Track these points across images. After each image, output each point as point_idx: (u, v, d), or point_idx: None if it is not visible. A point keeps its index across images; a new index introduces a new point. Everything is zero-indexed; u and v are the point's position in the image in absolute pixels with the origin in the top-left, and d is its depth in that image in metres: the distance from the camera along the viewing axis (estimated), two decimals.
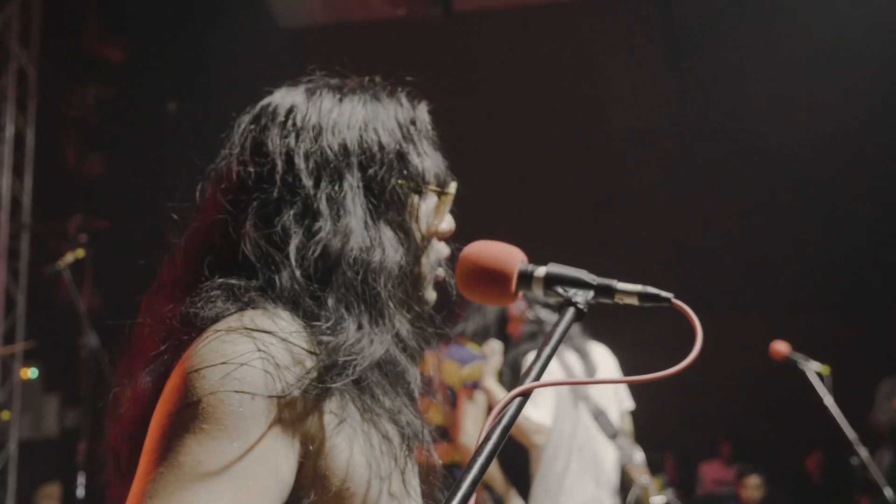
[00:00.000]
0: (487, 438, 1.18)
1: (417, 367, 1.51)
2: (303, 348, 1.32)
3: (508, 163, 11.37)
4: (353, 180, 1.45)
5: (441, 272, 1.56)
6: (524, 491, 5.02)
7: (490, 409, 4.64)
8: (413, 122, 1.55)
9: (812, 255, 10.85)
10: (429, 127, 1.59)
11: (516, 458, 5.25)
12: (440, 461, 1.54)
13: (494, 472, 4.94)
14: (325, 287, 1.39)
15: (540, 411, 4.80)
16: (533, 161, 11.66)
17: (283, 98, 1.53)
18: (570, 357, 4.92)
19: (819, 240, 10.73)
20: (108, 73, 9.81)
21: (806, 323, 9.67)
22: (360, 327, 1.38)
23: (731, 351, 10.29)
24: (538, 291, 1.44)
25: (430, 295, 1.56)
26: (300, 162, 1.44)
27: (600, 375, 4.91)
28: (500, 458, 5.20)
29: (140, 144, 9.83)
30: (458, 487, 1.11)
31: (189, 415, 1.24)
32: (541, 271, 1.44)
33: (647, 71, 11.25)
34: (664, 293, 1.38)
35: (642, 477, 5.01)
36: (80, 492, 6.73)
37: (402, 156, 1.50)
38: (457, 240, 1.58)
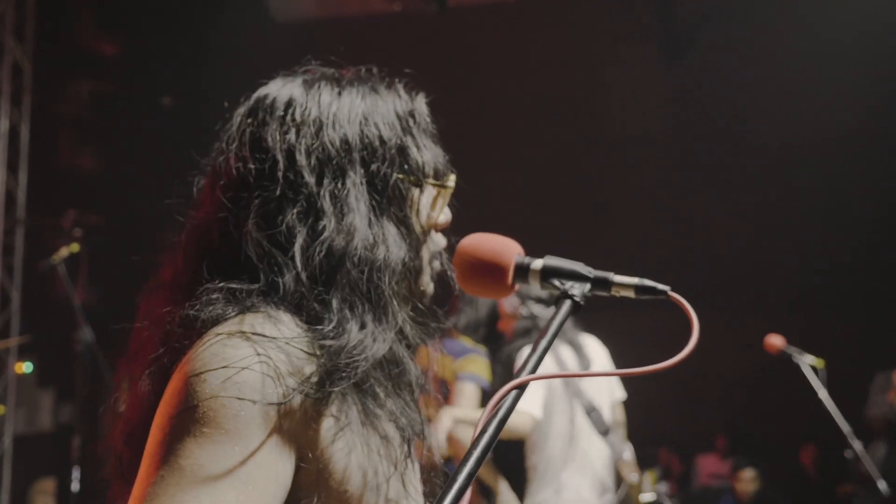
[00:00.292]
0: (483, 432, 1.18)
1: (415, 362, 1.50)
2: (304, 352, 1.31)
3: (504, 157, 11.36)
4: (355, 176, 1.44)
5: (438, 264, 1.56)
6: (517, 485, 5.02)
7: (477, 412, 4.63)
8: (412, 114, 1.54)
9: (807, 252, 10.87)
10: (427, 119, 1.57)
11: (509, 452, 5.25)
12: (437, 454, 1.53)
13: (486, 467, 4.93)
14: (329, 287, 1.38)
15: (526, 400, 4.76)
16: (529, 156, 11.65)
17: (280, 90, 1.50)
18: (564, 351, 4.91)
19: (815, 237, 10.75)
20: (102, 69, 9.80)
21: (801, 318, 9.69)
22: (363, 326, 1.37)
23: (728, 346, 10.32)
24: (535, 284, 1.44)
25: (429, 287, 1.55)
26: (302, 158, 1.42)
27: (594, 369, 4.90)
28: (493, 452, 5.19)
29: (135, 139, 9.81)
30: (453, 481, 1.12)
31: (190, 418, 1.24)
32: (537, 264, 1.44)
33: (645, 67, 11.25)
34: (661, 286, 1.38)
35: (631, 475, 5.02)
36: (75, 486, 6.73)
37: (402, 149, 1.49)
38: (454, 234, 1.58)
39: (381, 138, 1.47)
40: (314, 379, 1.30)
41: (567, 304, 1.37)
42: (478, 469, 1.15)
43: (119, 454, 1.43)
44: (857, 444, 5.84)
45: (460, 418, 4.41)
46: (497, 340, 5.01)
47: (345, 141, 1.45)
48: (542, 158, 11.67)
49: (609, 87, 11.24)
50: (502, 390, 1.22)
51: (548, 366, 4.78)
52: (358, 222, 1.41)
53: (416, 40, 10.17)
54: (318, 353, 1.32)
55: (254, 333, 1.29)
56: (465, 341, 4.89)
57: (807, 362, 5.77)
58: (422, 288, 1.54)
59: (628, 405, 5.35)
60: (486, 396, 4.75)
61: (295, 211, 1.40)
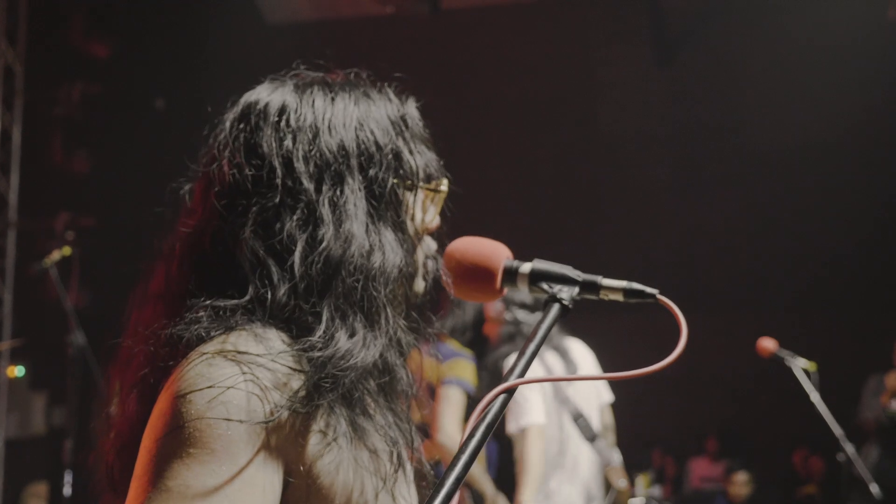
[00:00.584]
0: (471, 435, 1.17)
1: (409, 370, 1.49)
2: (290, 368, 1.30)
3: (497, 159, 11.36)
4: (353, 183, 1.43)
5: (432, 266, 1.55)
6: (507, 490, 5.02)
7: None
8: (404, 119, 1.53)
9: (800, 254, 10.89)
10: (419, 123, 1.57)
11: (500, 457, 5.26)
12: (427, 464, 1.53)
13: (475, 470, 4.91)
14: (323, 297, 1.37)
15: (532, 413, 4.77)
16: (521, 157, 11.66)
17: (272, 96, 1.48)
18: (550, 357, 4.90)
19: (807, 240, 10.77)
20: (94, 71, 9.78)
21: (793, 321, 9.70)
22: (353, 334, 1.35)
23: (721, 349, 10.33)
24: (523, 287, 1.44)
25: (419, 286, 1.54)
26: (300, 165, 1.41)
27: (581, 374, 4.89)
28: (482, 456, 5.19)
29: (127, 142, 9.80)
30: (441, 485, 1.11)
31: (176, 440, 1.23)
32: (526, 267, 1.44)
33: (637, 69, 11.27)
34: (649, 289, 1.38)
35: (619, 480, 5.01)
36: (67, 490, 6.71)
37: (397, 154, 1.48)
38: (446, 237, 1.58)
39: (377, 143, 1.46)
40: (301, 394, 1.28)
41: (555, 307, 1.37)
42: (465, 474, 1.14)
43: (110, 466, 1.42)
44: (849, 447, 5.85)
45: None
46: (483, 344, 5.00)
47: (342, 147, 1.44)
48: (534, 159, 11.68)
49: (601, 89, 11.25)
50: (490, 395, 1.21)
51: (535, 372, 4.77)
52: (356, 229, 1.40)
53: (409, 42, 10.18)
54: (304, 367, 1.31)
55: (238, 352, 1.28)
56: (453, 344, 4.87)
57: (799, 365, 5.77)
58: (415, 290, 1.53)
59: (621, 408, 5.34)
60: (471, 401, 4.73)
61: (294, 218, 1.39)
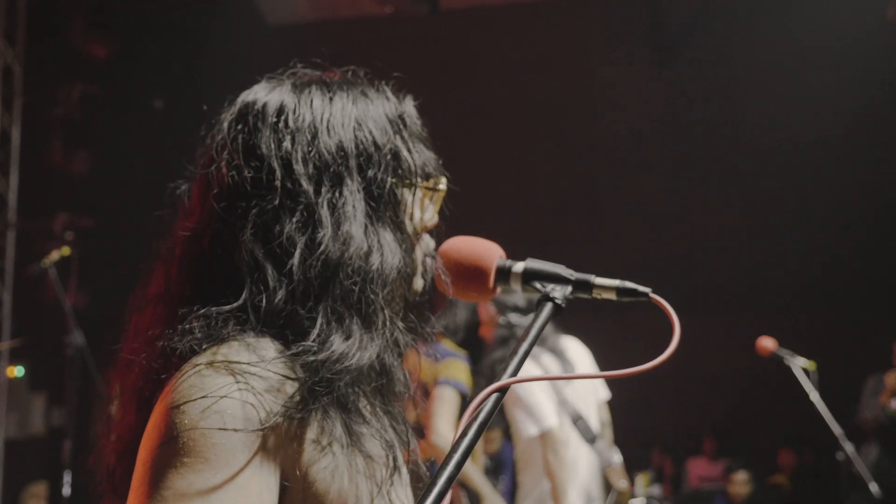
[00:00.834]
0: (463, 434, 1.17)
1: (407, 372, 1.49)
2: (284, 375, 1.30)
3: (496, 159, 11.36)
4: (352, 184, 1.42)
5: (431, 262, 1.55)
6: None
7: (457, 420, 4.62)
8: (402, 118, 1.53)
9: (799, 253, 10.89)
10: (417, 121, 1.56)
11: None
12: (423, 466, 1.52)
13: (471, 470, 4.91)
14: (320, 300, 1.36)
15: (545, 417, 4.78)
16: (521, 157, 11.66)
17: (269, 96, 1.48)
18: (547, 359, 4.90)
19: (806, 239, 10.77)
20: (93, 71, 9.77)
21: (793, 320, 9.71)
22: (348, 337, 1.35)
23: (720, 348, 10.33)
24: (516, 287, 1.44)
25: (418, 284, 1.54)
26: (299, 166, 1.40)
27: (577, 373, 4.89)
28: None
29: (126, 142, 9.80)
30: (433, 484, 1.11)
31: (171, 450, 1.24)
32: (519, 266, 1.44)
33: (637, 69, 11.26)
34: (642, 288, 1.38)
35: (620, 481, 5.02)
36: (67, 490, 6.71)
37: (395, 153, 1.48)
38: (444, 236, 1.58)
39: (375, 143, 1.46)
40: (296, 399, 1.29)
41: (548, 306, 1.37)
42: (458, 473, 1.14)
43: (111, 469, 1.43)
44: (848, 446, 5.85)
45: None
46: (479, 347, 5.00)
47: (340, 147, 1.43)
48: (533, 160, 11.68)
49: (601, 89, 11.25)
50: (483, 393, 1.21)
51: (532, 374, 4.76)
52: (354, 231, 1.39)
53: (408, 42, 10.18)
54: (298, 373, 1.31)
55: (231, 362, 1.28)
56: (447, 344, 4.87)
57: (799, 364, 5.78)
58: (415, 287, 1.53)
59: (622, 407, 5.35)
60: (465, 401, 4.72)
61: (294, 221, 1.38)
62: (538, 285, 1.41)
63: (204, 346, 1.32)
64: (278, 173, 1.39)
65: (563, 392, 4.93)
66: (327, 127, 1.44)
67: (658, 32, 11.31)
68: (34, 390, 9.87)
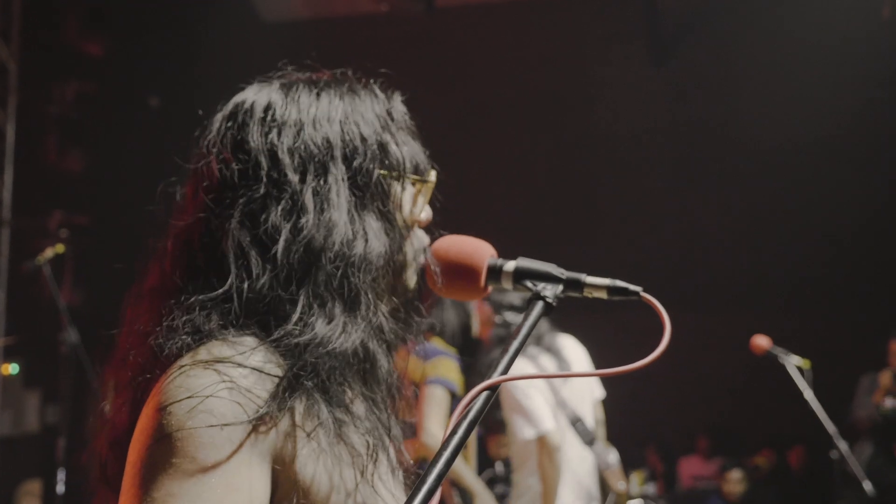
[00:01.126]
0: (453, 433, 1.17)
1: (392, 359, 1.51)
2: (266, 371, 1.32)
3: (492, 157, 11.36)
4: (337, 173, 1.45)
5: (424, 258, 1.56)
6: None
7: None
8: (390, 113, 1.56)
9: (794, 253, 10.90)
10: (405, 116, 1.59)
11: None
12: (410, 459, 1.53)
13: (464, 469, 4.91)
14: (303, 285, 1.39)
15: (542, 420, 4.78)
16: (517, 156, 11.65)
17: (258, 94, 1.52)
18: (545, 359, 4.91)
19: (801, 238, 10.78)
20: (88, 69, 9.76)
21: (787, 319, 9.71)
22: (331, 320, 1.38)
23: (715, 346, 10.35)
24: (508, 286, 1.44)
25: (411, 279, 1.56)
26: (284, 157, 1.44)
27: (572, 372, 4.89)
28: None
29: (121, 140, 9.78)
30: (422, 482, 1.11)
31: (159, 451, 1.25)
32: (510, 265, 1.45)
33: (633, 68, 11.27)
34: (632, 286, 1.39)
35: (619, 483, 5.03)
36: (61, 488, 6.70)
37: (383, 146, 1.51)
38: (439, 233, 1.58)
39: (361, 136, 1.49)
40: (280, 388, 1.31)
41: (539, 305, 1.37)
42: (447, 470, 1.14)
43: (104, 462, 1.44)
44: (842, 445, 5.87)
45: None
46: (467, 344, 4.99)
47: (326, 139, 1.47)
48: (530, 158, 11.67)
49: (597, 88, 11.25)
50: (473, 392, 1.22)
51: (527, 374, 4.76)
52: (337, 217, 1.42)
53: (404, 40, 10.18)
54: (281, 362, 1.33)
55: (216, 360, 1.30)
56: (437, 343, 4.86)
57: (793, 363, 5.80)
58: (406, 282, 1.55)
59: (617, 405, 5.35)
60: (455, 400, 4.72)
61: (279, 208, 1.41)
62: (529, 284, 1.42)
63: (191, 345, 1.34)
64: (264, 164, 1.43)
65: (561, 393, 4.93)
66: (314, 121, 1.48)
67: (655, 31, 11.32)
68: (28, 388, 9.85)
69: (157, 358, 1.35)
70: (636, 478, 6.15)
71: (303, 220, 1.40)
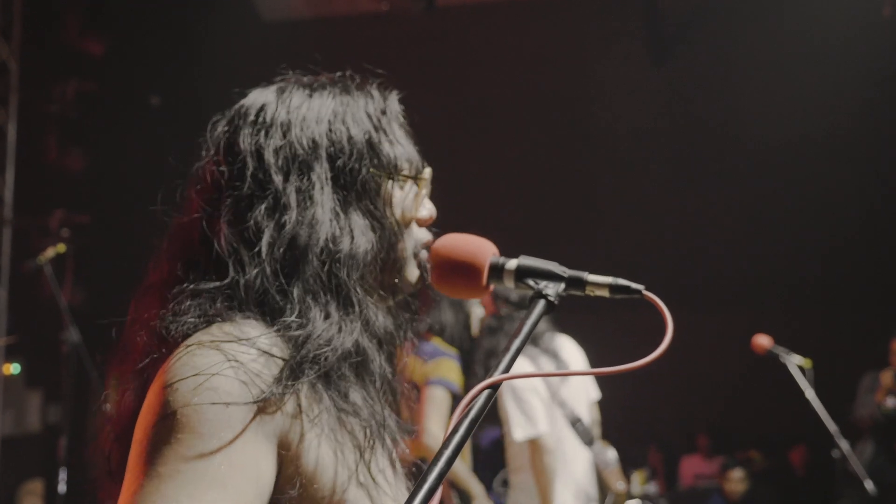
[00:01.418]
0: (454, 431, 1.17)
1: (393, 355, 1.54)
2: (271, 353, 1.35)
3: (491, 156, 11.36)
4: (321, 171, 1.49)
5: (424, 255, 1.58)
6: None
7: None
8: (384, 112, 1.58)
9: (795, 251, 10.90)
10: (400, 115, 1.61)
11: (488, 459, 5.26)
12: (407, 450, 1.55)
13: (462, 470, 4.90)
14: (293, 279, 1.42)
15: (541, 424, 4.79)
16: (517, 155, 11.65)
17: (255, 98, 1.56)
18: (543, 360, 4.91)
19: (803, 237, 10.78)
20: (89, 68, 9.76)
21: (789, 318, 9.71)
22: (327, 316, 1.41)
23: (716, 345, 10.34)
24: (509, 284, 1.45)
25: (412, 275, 1.58)
26: (270, 157, 1.48)
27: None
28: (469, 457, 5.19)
29: (122, 139, 9.79)
30: (423, 480, 1.11)
31: (165, 427, 1.28)
32: (512, 264, 1.45)
33: (633, 66, 11.25)
34: (635, 285, 1.39)
35: (618, 483, 5.03)
36: (62, 487, 6.70)
37: (372, 145, 1.53)
38: (440, 233, 1.59)
39: (348, 135, 1.52)
40: (284, 373, 1.33)
41: (541, 303, 1.37)
42: (448, 469, 1.14)
43: (108, 454, 1.46)
44: (844, 444, 5.86)
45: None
46: (466, 344, 4.98)
47: (312, 139, 1.50)
48: (529, 157, 11.67)
49: (597, 86, 11.23)
50: (474, 390, 1.22)
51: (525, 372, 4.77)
52: (321, 215, 1.45)
53: (404, 39, 10.17)
54: (284, 348, 1.36)
55: (221, 340, 1.33)
56: (438, 343, 4.84)
57: (794, 362, 5.79)
58: (407, 278, 1.57)
59: (618, 404, 5.35)
60: (456, 401, 4.71)
61: (263, 207, 1.46)
62: (531, 282, 1.42)
63: (198, 326, 1.38)
64: (251, 165, 1.49)
65: (560, 393, 4.94)
66: (301, 121, 1.51)
67: (654, 31, 11.31)
68: (30, 387, 9.86)
69: (163, 340, 1.39)
70: (637, 477, 6.15)
71: (285, 218, 1.44)
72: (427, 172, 1.61)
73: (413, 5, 9.44)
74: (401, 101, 1.63)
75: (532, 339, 4.90)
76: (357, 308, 1.45)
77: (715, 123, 11.08)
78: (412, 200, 1.57)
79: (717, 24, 10.65)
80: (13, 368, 8.96)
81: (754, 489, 9.90)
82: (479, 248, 1.48)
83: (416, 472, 1.56)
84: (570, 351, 5.10)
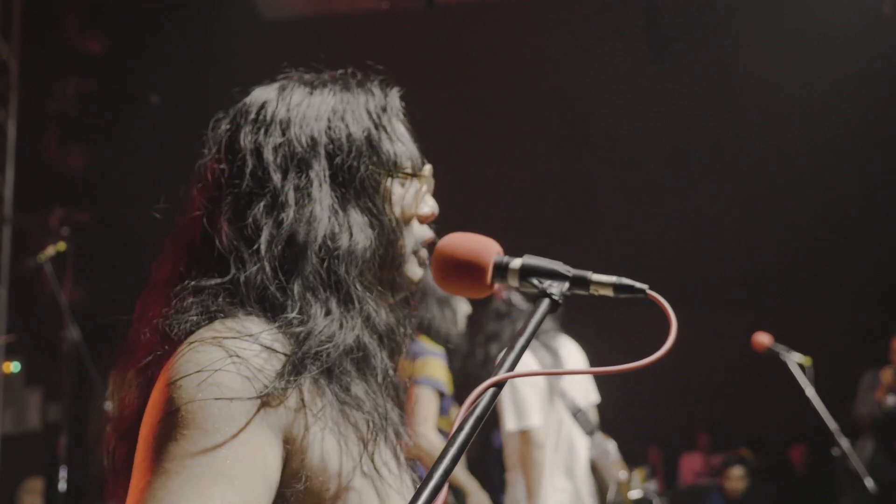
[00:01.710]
0: (460, 429, 1.17)
1: (395, 351, 1.55)
2: (274, 347, 1.36)
3: (491, 154, 11.36)
4: (319, 169, 1.49)
5: (424, 253, 1.58)
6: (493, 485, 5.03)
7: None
8: (384, 109, 1.58)
9: (795, 249, 10.90)
10: (401, 113, 1.62)
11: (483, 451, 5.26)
12: (411, 442, 1.56)
13: (457, 467, 4.89)
14: (292, 276, 1.43)
15: (534, 417, 4.80)
16: (517, 153, 11.65)
17: (257, 96, 1.57)
18: (542, 353, 4.93)
19: (803, 235, 10.78)
20: (89, 66, 9.76)
21: (789, 316, 9.72)
22: (328, 313, 1.42)
23: (716, 343, 10.35)
24: (513, 283, 1.45)
25: (413, 272, 1.58)
26: (269, 155, 1.49)
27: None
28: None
29: (122, 137, 9.78)
30: (429, 478, 1.11)
31: (170, 423, 1.28)
32: (516, 263, 1.45)
33: (633, 65, 11.26)
34: (639, 284, 1.39)
35: (620, 473, 5.04)
36: (63, 486, 6.71)
37: (371, 142, 1.53)
38: (441, 230, 1.59)
39: (348, 133, 1.52)
40: (287, 370, 1.34)
41: (545, 302, 1.37)
42: (454, 467, 1.14)
43: (112, 451, 1.47)
44: (844, 442, 5.87)
45: None
46: (455, 341, 4.96)
47: (311, 137, 1.51)
48: (529, 155, 11.67)
49: (597, 85, 11.24)
50: (479, 388, 1.22)
51: (528, 368, 4.80)
52: (319, 212, 1.46)
53: (404, 37, 10.18)
54: (287, 344, 1.38)
55: (224, 337, 1.34)
56: (424, 340, 4.81)
57: (794, 360, 5.80)
58: (407, 275, 1.57)
59: (618, 403, 5.36)
60: (444, 399, 4.70)
61: (262, 205, 1.46)
62: (535, 282, 1.42)
63: (200, 323, 1.39)
64: (250, 163, 1.49)
65: (560, 384, 4.95)
66: (301, 119, 1.52)
67: (654, 29, 11.30)
68: (30, 385, 9.85)
69: (167, 338, 1.39)
70: (637, 475, 6.16)
71: (283, 216, 1.45)
72: (427, 169, 1.61)
73: (413, 3, 9.43)
74: (401, 98, 1.63)
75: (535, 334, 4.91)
76: (357, 304, 1.46)
77: (715, 122, 11.08)
78: (413, 197, 1.57)
79: (718, 22, 10.65)
80: (13, 366, 8.95)
81: (754, 487, 9.90)
82: (484, 247, 1.48)
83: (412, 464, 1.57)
84: (571, 351, 5.12)
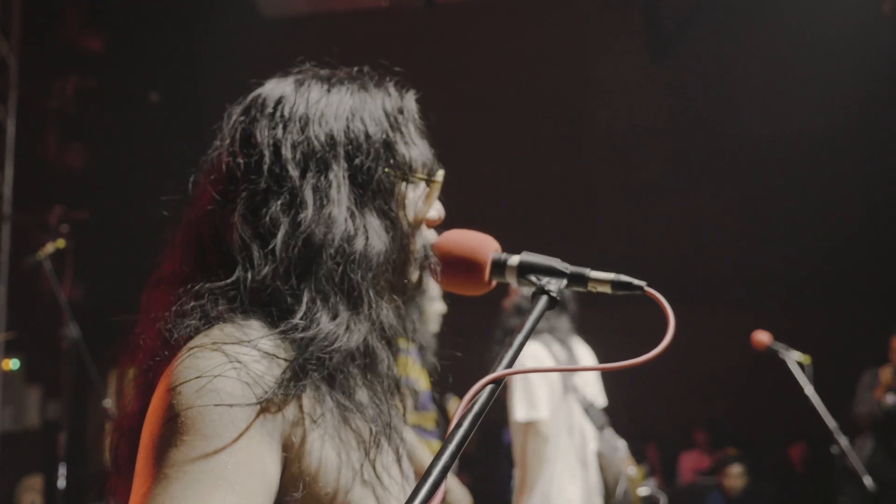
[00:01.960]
0: (458, 426, 1.17)
1: (395, 357, 1.53)
2: (274, 352, 1.35)
3: (491, 153, 11.35)
4: (338, 170, 1.47)
5: (428, 258, 1.57)
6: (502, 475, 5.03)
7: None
8: (401, 111, 1.57)
9: (795, 248, 10.89)
10: (416, 116, 1.60)
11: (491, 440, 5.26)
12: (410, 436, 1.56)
13: None
14: (304, 279, 1.41)
15: (543, 410, 4.82)
16: (516, 151, 11.65)
17: (273, 89, 1.54)
18: (557, 349, 4.96)
19: (803, 234, 10.77)
20: (89, 64, 9.76)
21: (788, 314, 9.71)
22: (335, 316, 1.40)
23: (716, 342, 10.34)
24: (511, 280, 1.45)
25: (415, 276, 1.57)
26: (287, 152, 1.46)
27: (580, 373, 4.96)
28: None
29: (121, 135, 9.79)
30: (428, 475, 1.11)
31: (170, 430, 1.28)
32: (514, 260, 1.45)
33: (633, 62, 11.25)
34: (637, 281, 1.39)
35: (629, 468, 5.05)
36: (62, 483, 6.71)
37: (388, 145, 1.52)
38: (440, 231, 1.59)
39: (366, 134, 1.50)
40: (287, 375, 1.33)
41: (543, 299, 1.38)
42: (452, 463, 1.14)
43: (115, 448, 1.47)
44: (843, 440, 5.87)
45: None
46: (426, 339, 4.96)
47: (330, 136, 1.48)
48: (529, 154, 11.67)
49: (597, 83, 11.24)
50: (477, 385, 1.22)
51: (544, 360, 4.86)
52: (337, 214, 1.44)
53: (403, 35, 10.17)
54: (288, 349, 1.36)
55: (224, 342, 1.33)
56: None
57: (793, 358, 5.79)
58: (408, 280, 1.56)
59: (617, 401, 5.37)
60: (417, 398, 4.70)
61: (279, 203, 1.44)
62: (533, 278, 1.42)
63: (201, 328, 1.37)
64: (268, 158, 1.46)
65: (573, 379, 4.99)
66: (320, 117, 1.49)
67: (654, 26, 11.30)
68: (29, 383, 9.86)
69: (167, 342, 1.38)
70: (638, 473, 6.16)
71: (301, 216, 1.42)
72: (440, 174, 1.59)
73: (413, 1, 9.43)
74: (416, 100, 1.62)
75: (550, 330, 4.97)
76: (367, 308, 1.44)
77: (715, 120, 11.07)
78: (423, 201, 1.56)
79: (717, 20, 10.65)
80: (12, 364, 8.96)
81: (753, 485, 9.90)
82: (482, 244, 1.48)
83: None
84: (583, 352, 5.16)
